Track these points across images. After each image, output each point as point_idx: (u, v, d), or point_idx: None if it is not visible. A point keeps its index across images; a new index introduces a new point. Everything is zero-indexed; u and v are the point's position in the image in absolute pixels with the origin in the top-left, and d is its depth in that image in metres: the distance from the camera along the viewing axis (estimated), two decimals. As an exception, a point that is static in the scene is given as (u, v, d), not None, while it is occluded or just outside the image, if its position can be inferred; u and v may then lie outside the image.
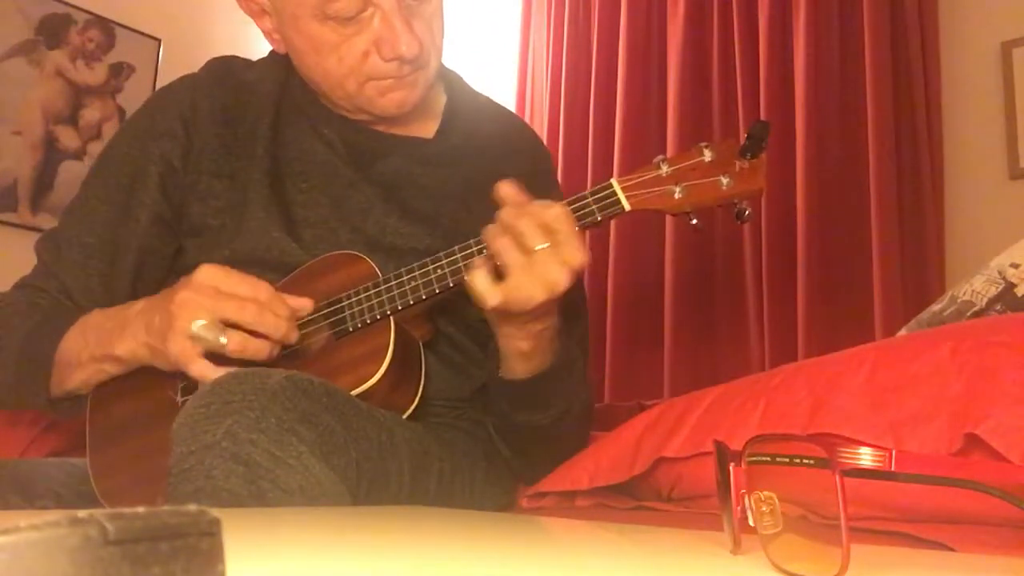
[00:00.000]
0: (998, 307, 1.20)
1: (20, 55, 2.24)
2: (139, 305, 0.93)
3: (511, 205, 0.86)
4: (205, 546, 0.20)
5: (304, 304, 0.93)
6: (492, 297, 0.84)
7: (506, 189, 0.87)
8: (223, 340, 0.84)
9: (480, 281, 0.85)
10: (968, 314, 1.22)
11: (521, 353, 0.93)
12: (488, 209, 0.88)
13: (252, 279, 0.89)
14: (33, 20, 2.26)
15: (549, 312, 0.91)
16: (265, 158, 1.05)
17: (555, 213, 0.84)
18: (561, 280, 0.84)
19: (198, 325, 0.84)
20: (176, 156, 1.06)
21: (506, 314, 0.87)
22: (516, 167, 1.05)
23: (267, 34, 1.05)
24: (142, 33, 2.46)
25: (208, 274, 0.87)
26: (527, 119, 2.76)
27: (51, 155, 2.27)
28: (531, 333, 0.91)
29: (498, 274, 0.86)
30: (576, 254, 0.84)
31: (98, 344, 0.94)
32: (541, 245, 0.83)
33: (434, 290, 0.91)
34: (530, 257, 0.83)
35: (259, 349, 0.87)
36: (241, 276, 0.88)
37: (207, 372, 0.85)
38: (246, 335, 0.86)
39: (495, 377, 0.98)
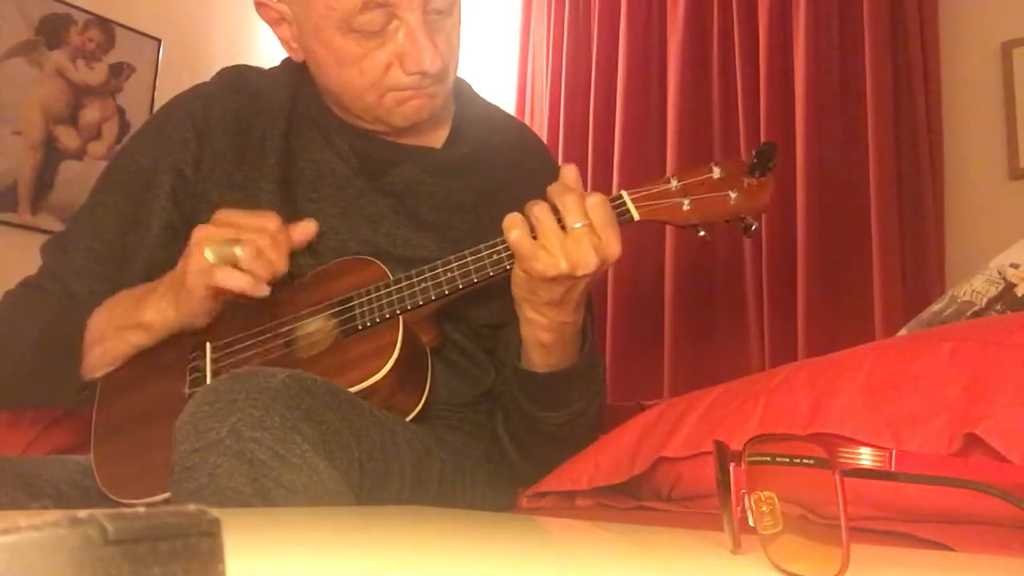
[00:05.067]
0: (998, 307, 1.20)
1: (20, 55, 2.24)
2: (165, 276, 0.97)
3: (556, 185, 0.89)
4: (205, 546, 0.20)
5: (310, 227, 0.98)
6: (513, 228, 0.86)
7: (567, 173, 0.91)
8: (238, 251, 0.90)
9: (514, 221, 0.87)
10: (968, 314, 1.22)
11: (542, 345, 0.94)
12: (497, 218, 0.89)
13: (262, 213, 0.95)
14: (33, 20, 2.26)
15: (575, 304, 0.92)
16: (276, 168, 1.05)
17: (595, 200, 0.87)
18: (589, 261, 0.86)
19: (214, 245, 0.90)
20: (188, 166, 1.06)
21: (528, 283, 0.89)
22: (525, 177, 1.06)
23: (284, 42, 1.04)
24: (142, 33, 2.46)
25: (223, 212, 0.94)
26: (527, 119, 2.75)
27: (51, 155, 2.27)
28: (554, 323, 0.92)
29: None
30: (611, 243, 0.87)
31: (124, 315, 0.97)
32: (578, 223, 0.86)
33: (443, 291, 0.92)
34: (565, 232, 0.86)
35: (269, 263, 0.92)
36: (252, 211, 0.95)
37: (230, 275, 0.90)
38: (258, 251, 0.91)
39: (515, 367, 0.99)
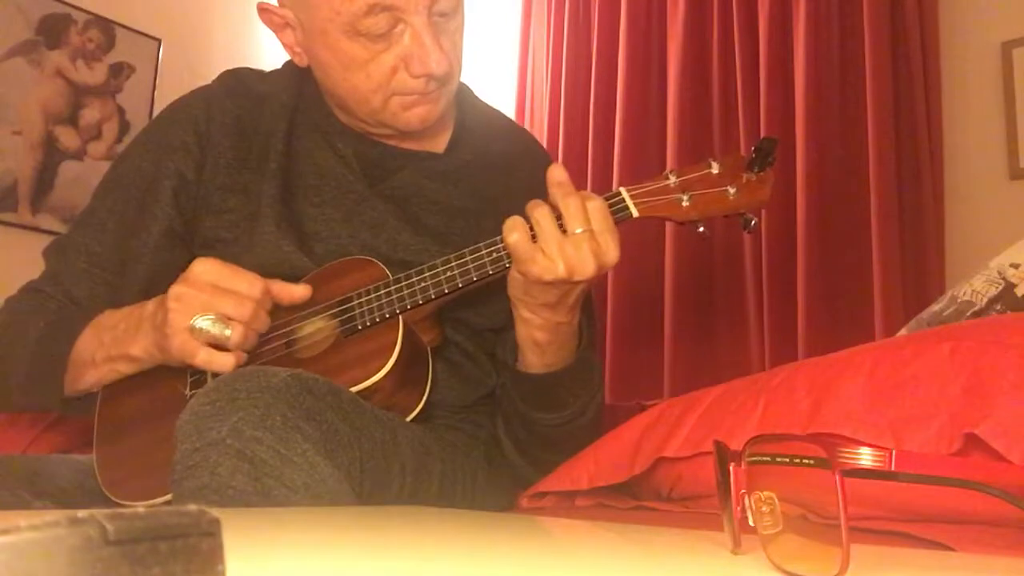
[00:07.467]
0: (998, 307, 1.20)
1: (20, 55, 2.24)
2: (151, 305, 0.94)
3: (558, 186, 0.88)
4: (205, 546, 0.20)
5: (303, 292, 0.95)
6: (514, 230, 0.85)
7: (556, 172, 0.89)
8: (228, 333, 0.87)
9: (515, 223, 0.86)
10: (968, 314, 1.22)
11: (536, 344, 0.94)
12: (498, 224, 0.89)
13: (248, 275, 0.90)
14: (33, 20, 2.26)
15: (570, 306, 0.92)
16: (278, 172, 1.05)
17: (596, 205, 0.87)
18: (587, 267, 0.85)
19: (204, 320, 0.87)
20: (190, 170, 1.06)
21: (524, 285, 0.89)
22: (526, 183, 1.06)
23: (288, 47, 1.04)
24: (142, 33, 2.46)
25: (204, 269, 0.89)
26: (527, 120, 2.76)
27: (51, 155, 2.27)
28: (548, 323, 0.92)
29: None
30: (609, 250, 0.86)
31: (113, 344, 0.95)
32: (579, 229, 0.85)
33: (443, 290, 0.92)
34: (565, 236, 0.85)
35: (254, 342, 0.91)
36: (235, 271, 0.90)
37: (214, 358, 0.88)
38: (245, 328, 0.89)
39: (511, 368, 0.99)
